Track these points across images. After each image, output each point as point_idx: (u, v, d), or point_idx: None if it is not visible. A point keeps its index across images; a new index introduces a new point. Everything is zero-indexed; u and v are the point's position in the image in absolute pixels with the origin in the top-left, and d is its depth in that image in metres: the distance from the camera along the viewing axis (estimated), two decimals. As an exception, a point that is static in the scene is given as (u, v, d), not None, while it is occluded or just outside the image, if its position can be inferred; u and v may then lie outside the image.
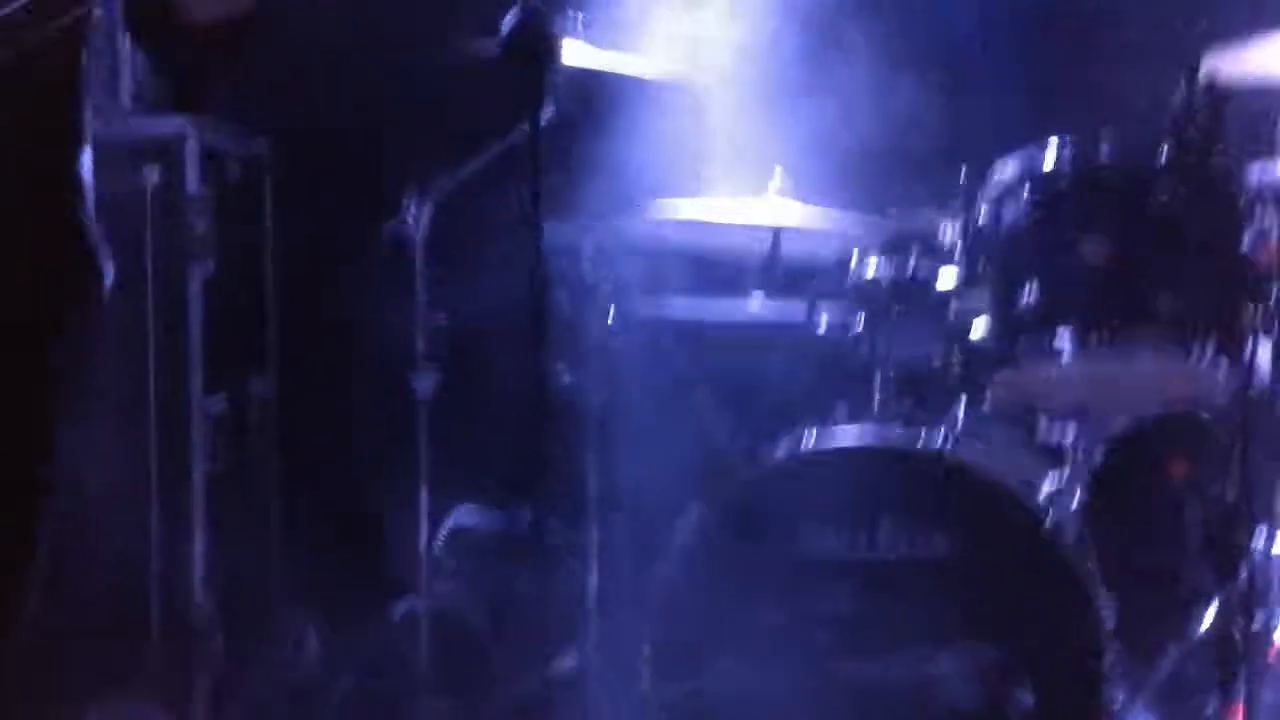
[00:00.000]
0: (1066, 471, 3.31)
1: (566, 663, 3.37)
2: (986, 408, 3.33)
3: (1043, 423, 3.43)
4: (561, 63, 3.36)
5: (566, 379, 3.58)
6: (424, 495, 3.60)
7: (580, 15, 3.66)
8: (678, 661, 3.16)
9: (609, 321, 3.57)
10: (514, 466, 3.74)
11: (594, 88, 3.69)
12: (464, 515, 3.78)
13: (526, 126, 3.36)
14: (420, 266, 3.69)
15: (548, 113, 3.26)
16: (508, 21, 3.26)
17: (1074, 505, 3.25)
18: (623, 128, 3.70)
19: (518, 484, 3.74)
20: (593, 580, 3.43)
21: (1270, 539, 3.42)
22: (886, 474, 3.14)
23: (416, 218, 3.71)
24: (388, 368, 3.71)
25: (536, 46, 3.64)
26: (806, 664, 3.10)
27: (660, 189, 3.66)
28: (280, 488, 3.90)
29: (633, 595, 3.37)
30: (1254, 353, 3.22)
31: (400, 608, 3.58)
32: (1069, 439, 3.37)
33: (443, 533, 3.72)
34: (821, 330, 3.51)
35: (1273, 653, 3.28)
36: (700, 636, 3.14)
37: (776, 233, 3.55)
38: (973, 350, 3.28)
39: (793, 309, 3.55)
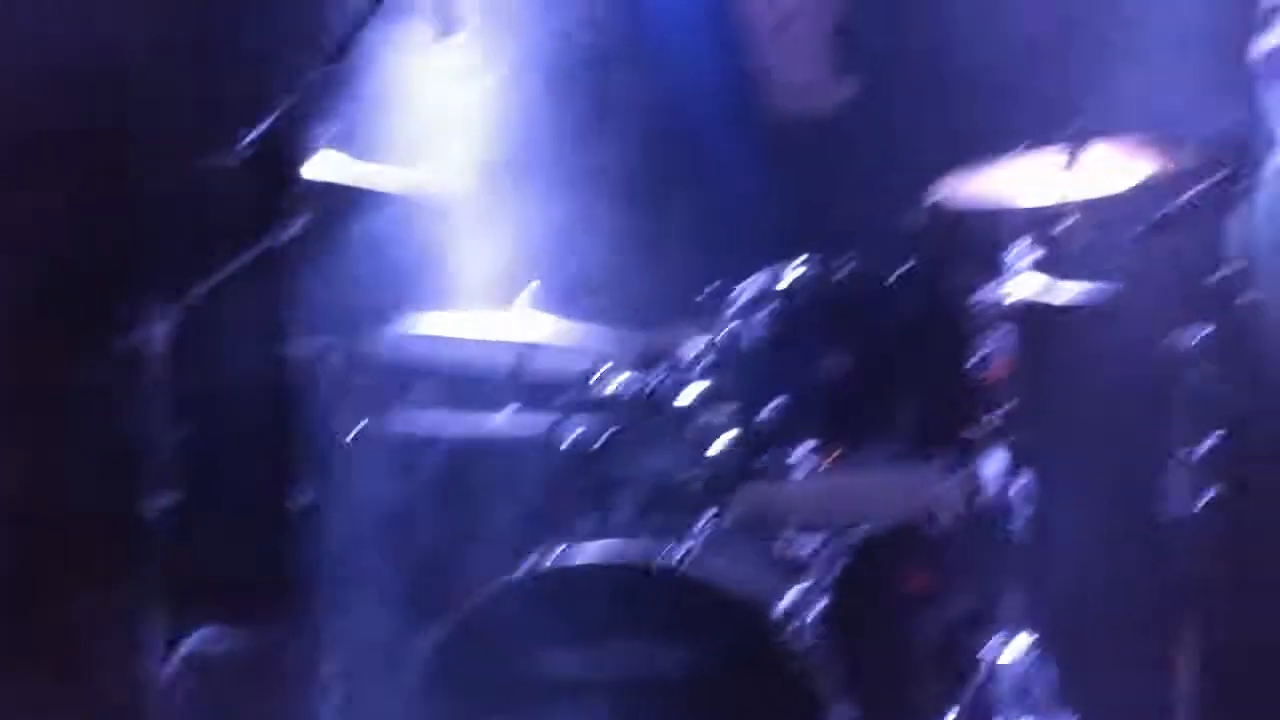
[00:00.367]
0: (806, 583, 3.34)
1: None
2: (729, 522, 3.35)
3: (785, 535, 3.46)
4: (310, 174, 3.32)
5: (308, 496, 3.50)
6: (158, 619, 3.47)
7: (329, 127, 3.63)
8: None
9: (352, 437, 3.51)
10: (253, 587, 3.65)
11: (342, 200, 3.66)
12: (201, 639, 3.66)
13: (272, 238, 3.30)
14: (159, 381, 3.59)
15: (295, 224, 3.21)
16: (255, 131, 3.21)
17: (812, 617, 3.28)
18: (371, 240, 3.67)
19: (257, 605, 3.66)
20: (331, 705, 3.33)
21: (1001, 648, 3.49)
22: (625, 590, 3.12)
23: (157, 330, 3.62)
24: (123, 484, 3.59)
25: (284, 157, 3.61)
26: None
27: (409, 302, 3.63)
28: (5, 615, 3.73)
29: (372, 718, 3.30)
30: (985, 466, 3.32)
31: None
32: (809, 551, 3.40)
33: (178, 658, 3.59)
34: (566, 445, 3.50)
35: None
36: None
37: (524, 347, 3.55)
38: (716, 464, 3.30)
39: (539, 423, 3.54)
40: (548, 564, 3.16)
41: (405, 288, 3.65)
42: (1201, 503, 3.26)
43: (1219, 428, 3.13)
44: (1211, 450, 3.17)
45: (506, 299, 3.58)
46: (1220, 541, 3.47)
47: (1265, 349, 1.69)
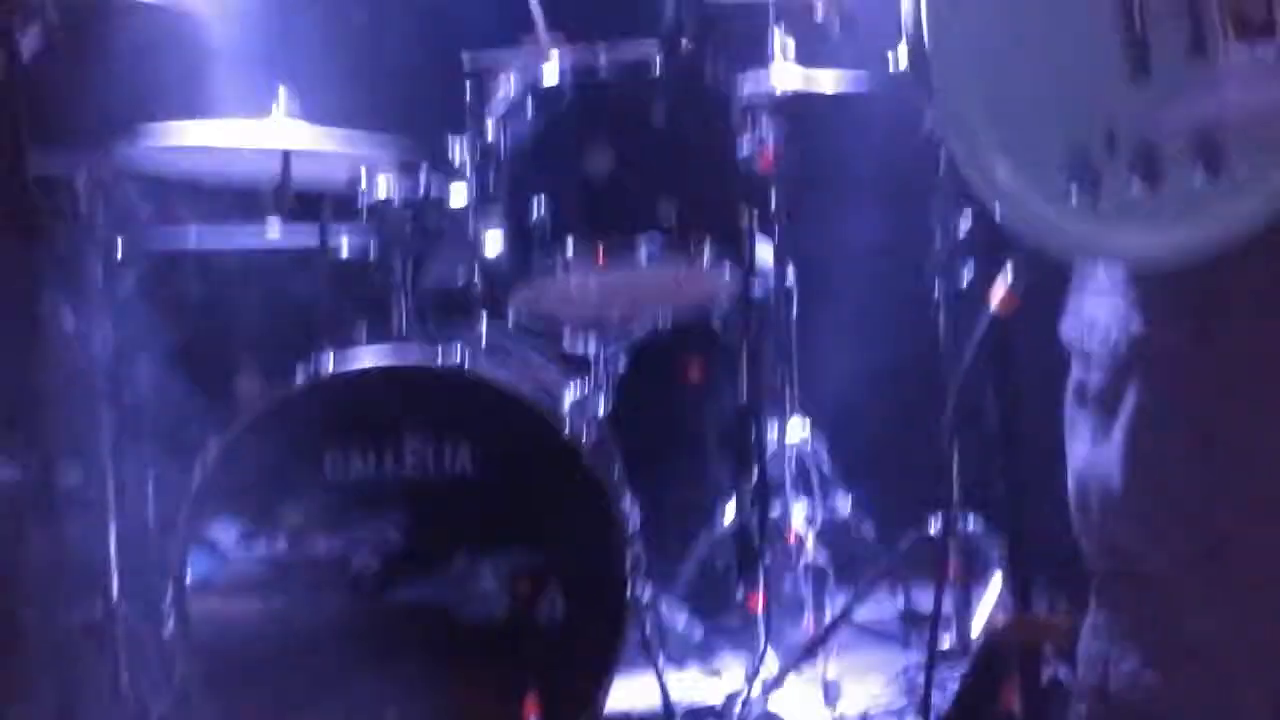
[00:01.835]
0: (589, 381, 3.37)
1: (90, 612, 3.21)
2: (509, 323, 3.35)
3: (565, 335, 3.47)
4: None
5: (70, 321, 3.39)
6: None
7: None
8: (210, 603, 3.07)
9: (114, 256, 3.39)
10: (17, 412, 3.54)
11: (84, 10, 3.49)
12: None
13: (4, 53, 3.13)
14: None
15: (31, 38, 3.05)
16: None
17: (596, 413, 3.32)
18: (116, 51, 3.51)
19: (23, 430, 3.54)
20: (113, 526, 3.27)
21: (780, 433, 3.60)
22: (408, 392, 3.11)
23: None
24: None
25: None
26: (348, 593, 3.05)
27: (160, 113, 3.49)
28: None
29: (158, 539, 3.26)
30: (754, 256, 3.37)
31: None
32: (590, 349, 3.43)
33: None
34: (339, 253, 3.45)
35: (789, 539, 3.46)
36: (231, 574, 3.06)
37: (285, 155, 3.45)
38: (489, 267, 3.28)
39: (307, 233, 3.47)
40: (327, 371, 3.13)
41: (159, 98, 3.51)
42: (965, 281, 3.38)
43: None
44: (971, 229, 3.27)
45: (264, 107, 3.46)
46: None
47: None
